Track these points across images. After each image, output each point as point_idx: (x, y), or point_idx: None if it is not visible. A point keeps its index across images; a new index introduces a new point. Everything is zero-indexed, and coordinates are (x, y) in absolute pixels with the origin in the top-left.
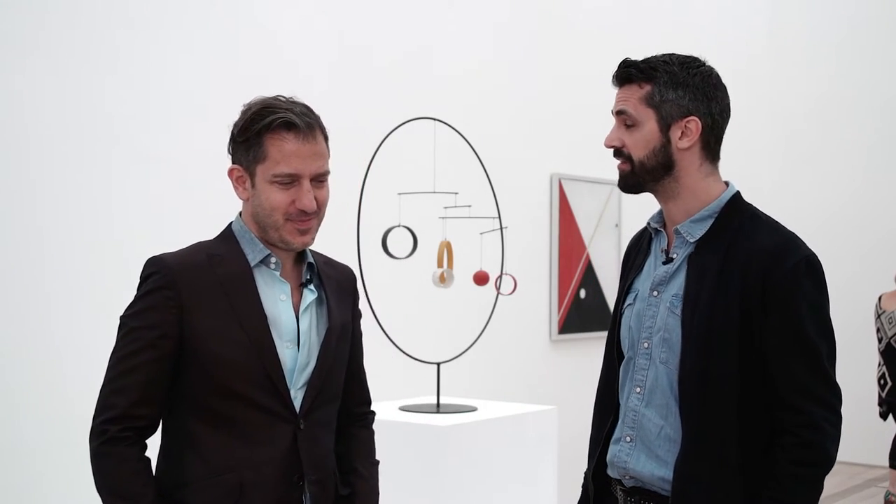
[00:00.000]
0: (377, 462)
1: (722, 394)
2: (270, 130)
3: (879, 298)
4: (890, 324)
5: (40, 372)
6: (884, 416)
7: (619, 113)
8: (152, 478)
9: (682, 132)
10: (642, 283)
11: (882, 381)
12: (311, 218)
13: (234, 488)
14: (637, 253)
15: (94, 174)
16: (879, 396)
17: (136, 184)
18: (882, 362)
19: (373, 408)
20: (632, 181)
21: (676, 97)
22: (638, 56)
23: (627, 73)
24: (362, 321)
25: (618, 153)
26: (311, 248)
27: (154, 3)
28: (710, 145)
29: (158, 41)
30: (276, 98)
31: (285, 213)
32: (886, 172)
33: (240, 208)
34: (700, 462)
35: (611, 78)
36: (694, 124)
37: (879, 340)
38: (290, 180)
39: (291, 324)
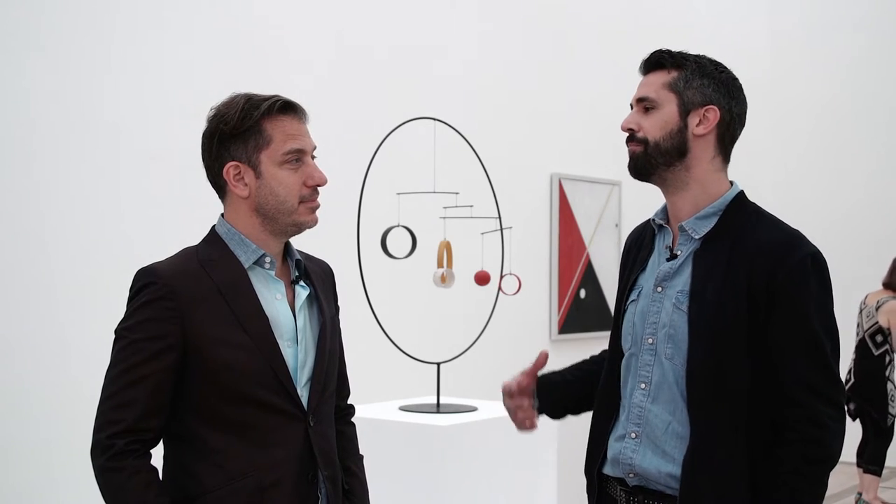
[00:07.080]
0: (362, 456)
1: (730, 390)
2: (269, 115)
3: (866, 297)
4: (868, 318)
5: (44, 369)
6: (853, 415)
7: (640, 100)
8: (164, 487)
9: (700, 120)
10: (646, 280)
11: (847, 377)
12: (318, 194)
13: (254, 493)
14: (639, 249)
15: (96, 173)
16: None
17: (138, 183)
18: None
19: (373, 408)
20: (643, 162)
21: (701, 85)
22: (637, 59)
23: (658, 58)
24: (360, 320)
25: (631, 137)
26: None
27: (154, 3)
28: (725, 142)
29: (158, 41)
30: (244, 93)
31: (299, 195)
32: (887, 175)
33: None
34: (709, 459)
35: (638, 66)
36: (713, 113)
37: (857, 336)
38: (298, 157)
39: (290, 323)
